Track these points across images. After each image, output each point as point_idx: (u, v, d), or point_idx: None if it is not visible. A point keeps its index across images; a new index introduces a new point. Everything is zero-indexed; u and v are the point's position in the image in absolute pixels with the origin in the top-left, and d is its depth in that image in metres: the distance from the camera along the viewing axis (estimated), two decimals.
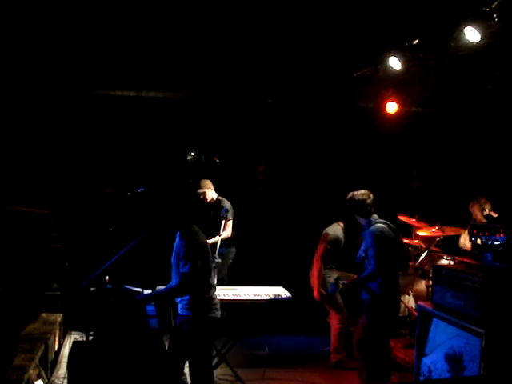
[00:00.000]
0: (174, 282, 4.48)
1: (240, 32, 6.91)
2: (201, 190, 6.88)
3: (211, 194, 6.97)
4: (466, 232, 6.53)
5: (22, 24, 6.48)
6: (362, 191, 5.00)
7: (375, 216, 4.97)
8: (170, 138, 7.88)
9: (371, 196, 4.99)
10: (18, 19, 6.41)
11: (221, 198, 6.98)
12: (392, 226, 5.02)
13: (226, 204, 6.84)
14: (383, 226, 4.90)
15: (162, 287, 4.79)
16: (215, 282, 4.62)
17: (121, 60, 7.21)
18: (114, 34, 6.82)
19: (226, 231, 6.65)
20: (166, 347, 4.53)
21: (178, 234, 4.53)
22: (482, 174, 7.77)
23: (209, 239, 6.52)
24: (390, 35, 6.38)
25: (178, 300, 4.50)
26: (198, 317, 4.38)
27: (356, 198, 4.96)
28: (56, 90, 7.40)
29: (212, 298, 4.48)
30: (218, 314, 4.49)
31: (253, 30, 6.88)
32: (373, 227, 4.87)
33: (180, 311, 4.49)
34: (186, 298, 4.41)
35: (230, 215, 6.70)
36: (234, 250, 7.04)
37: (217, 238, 6.14)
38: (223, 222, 6.33)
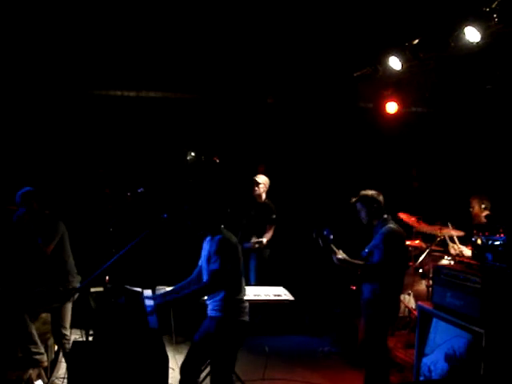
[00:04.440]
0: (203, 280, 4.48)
1: (240, 32, 6.91)
2: (263, 186, 6.98)
3: (264, 194, 7.07)
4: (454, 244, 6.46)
5: (22, 24, 6.48)
6: (374, 191, 4.97)
7: (386, 216, 4.95)
8: (170, 138, 7.88)
9: (382, 196, 4.99)
10: (18, 19, 6.41)
11: (268, 200, 7.08)
12: (400, 228, 5.01)
13: (273, 207, 6.99)
14: (393, 227, 4.89)
15: (167, 288, 4.79)
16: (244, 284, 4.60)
17: (121, 60, 7.21)
18: (114, 34, 6.82)
19: (268, 235, 6.93)
20: (166, 347, 4.53)
21: (209, 236, 4.53)
22: (482, 174, 7.76)
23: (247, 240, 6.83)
24: (390, 35, 6.38)
25: (208, 301, 4.48)
26: (228, 319, 4.34)
27: (374, 196, 4.92)
28: (56, 90, 7.40)
29: (242, 301, 4.45)
30: (247, 318, 4.45)
31: (253, 30, 6.88)
32: (386, 227, 4.85)
33: (210, 313, 4.45)
34: (217, 299, 4.38)
35: (275, 220, 6.96)
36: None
37: (259, 240, 6.75)
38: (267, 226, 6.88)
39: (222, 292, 4.36)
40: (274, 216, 6.88)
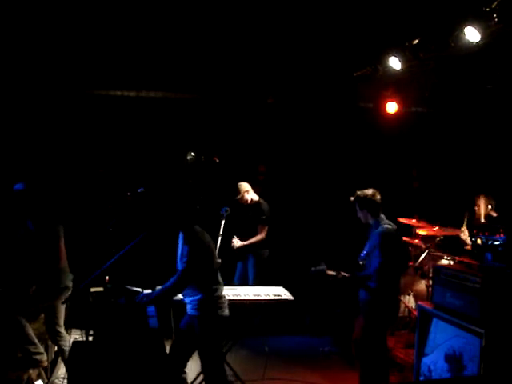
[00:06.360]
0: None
1: (240, 32, 6.91)
2: (238, 197, 6.89)
3: (249, 196, 6.95)
4: (465, 228, 6.52)
5: (23, 24, 6.48)
6: (371, 190, 4.96)
7: (383, 216, 4.97)
8: (170, 138, 7.87)
9: (379, 195, 4.98)
10: (18, 19, 6.41)
11: (261, 200, 7.01)
12: (395, 226, 5.02)
13: (264, 207, 6.93)
14: (389, 226, 4.89)
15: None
16: (221, 280, 4.64)
17: (120, 60, 7.21)
18: (114, 34, 6.82)
19: (259, 236, 6.84)
20: (167, 347, 4.54)
21: (181, 234, 4.56)
22: (482, 174, 7.76)
23: (244, 240, 6.82)
24: (390, 35, 6.38)
25: (187, 301, 4.53)
26: (207, 316, 4.41)
27: (368, 196, 4.92)
28: (56, 90, 7.39)
29: (220, 297, 4.51)
30: (227, 312, 4.52)
31: (253, 30, 6.88)
32: (381, 228, 4.85)
33: (189, 311, 4.52)
34: (195, 298, 4.44)
35: (265, 220, 6.88)
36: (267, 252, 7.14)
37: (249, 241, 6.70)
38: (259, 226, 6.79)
39: (198, 290, 4.42)
40: (264, 217, 6.83)
